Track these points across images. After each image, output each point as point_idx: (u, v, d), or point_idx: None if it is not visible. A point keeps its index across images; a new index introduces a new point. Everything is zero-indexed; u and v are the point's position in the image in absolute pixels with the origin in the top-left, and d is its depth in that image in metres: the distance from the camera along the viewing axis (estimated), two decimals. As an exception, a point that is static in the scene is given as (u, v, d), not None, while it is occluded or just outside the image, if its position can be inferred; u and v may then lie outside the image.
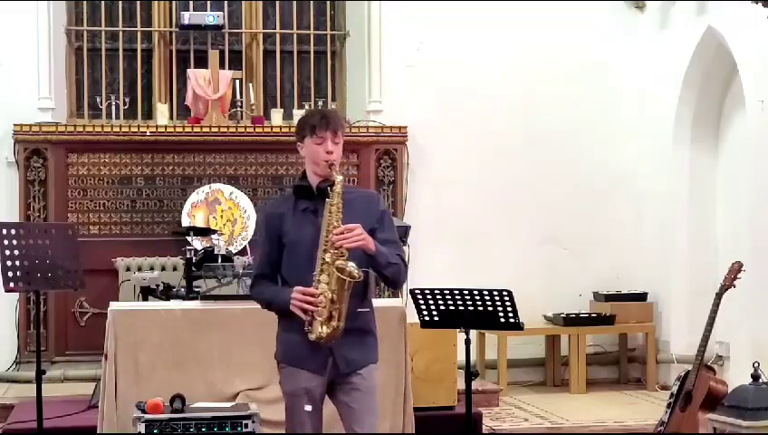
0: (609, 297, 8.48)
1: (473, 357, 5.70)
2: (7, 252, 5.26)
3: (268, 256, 4.03)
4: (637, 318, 8.43)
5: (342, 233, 3.79)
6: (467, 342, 5.06)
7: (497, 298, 5.11)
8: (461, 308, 5.13)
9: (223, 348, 5.72)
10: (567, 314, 8.25)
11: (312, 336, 3.82)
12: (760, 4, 6.70)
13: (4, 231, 5.30)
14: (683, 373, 5.60)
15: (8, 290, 5.38)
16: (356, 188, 4.16)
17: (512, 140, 8.61)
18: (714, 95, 8.23)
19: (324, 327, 3.81)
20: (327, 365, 3.91)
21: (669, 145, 8.38)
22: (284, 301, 3.88)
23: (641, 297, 8.51)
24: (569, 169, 8.70)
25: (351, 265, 3.79)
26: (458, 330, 5.37)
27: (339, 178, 3.88)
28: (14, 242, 5.29)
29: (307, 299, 3.81)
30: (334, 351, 3.89)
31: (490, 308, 5.10)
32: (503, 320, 5.12)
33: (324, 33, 8.90)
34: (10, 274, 5.28)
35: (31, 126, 7.99)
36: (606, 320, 8.30)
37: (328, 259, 3.81)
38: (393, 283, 4.07)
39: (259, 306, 4.14)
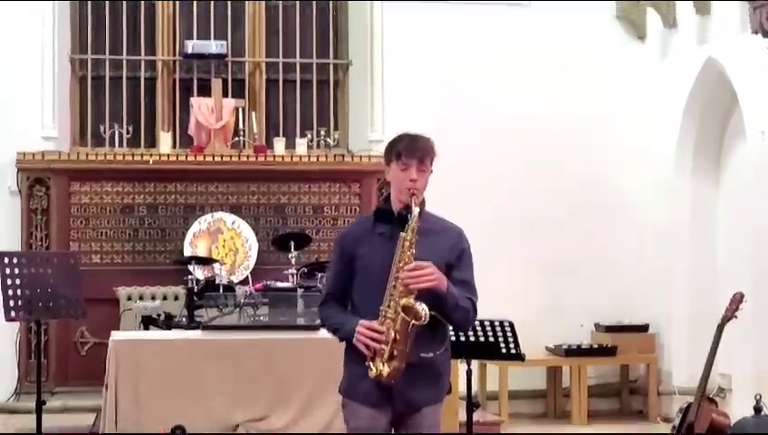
0: (611, 328, 8.45)
1: (474, 388, 5.68)
2: (9, 281, 5.27)
3: (338, 275, 3.88)
4: (638, 349, 8.40)
5: (414, 270, 3.64)
6: (469, 372, 5.05)
7: (498, 329, 5.13)
8: (462, 338, 5.13)
9: (224, 378, 5.71)
10: (568, 346, 8.23)
11: (372, 373, 3.66)
12: (760, 34, 6.74)
13: (6, 260, 5.31)
14: (685, 405, 5.59)
15: (9, 319, 5.38)
16: (441, 219, 3.99)
17: (511, 169, 8.60)
18: (714, 125, 8.25)
19: (385, 366, 3.65)
20: (387, 402, 3.76)
21: (670, 174, 8.39)
22: (350, 332, 3.72)
23: (643, 328, 8.48)
24: (569, 198, 8.69)
25: (419, 306, 3.61)
26: (459, 360, 5.36)
27: (416, 210, 3.73)
28: (16, 271, 5.31)
29: (371, 335, 3.65)
30: (394, 388, 3.72)
31: (491, 339, 5.11)
32: (504, 350, 5.13)
33: (327, 61, 8.93)
34: (11, 303, 5.29)
35: (34, 154, 8.00)
36: (607, 351, 8.27)
37: (396, 296, 3.65)
38: (460, 327, 3.96)
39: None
